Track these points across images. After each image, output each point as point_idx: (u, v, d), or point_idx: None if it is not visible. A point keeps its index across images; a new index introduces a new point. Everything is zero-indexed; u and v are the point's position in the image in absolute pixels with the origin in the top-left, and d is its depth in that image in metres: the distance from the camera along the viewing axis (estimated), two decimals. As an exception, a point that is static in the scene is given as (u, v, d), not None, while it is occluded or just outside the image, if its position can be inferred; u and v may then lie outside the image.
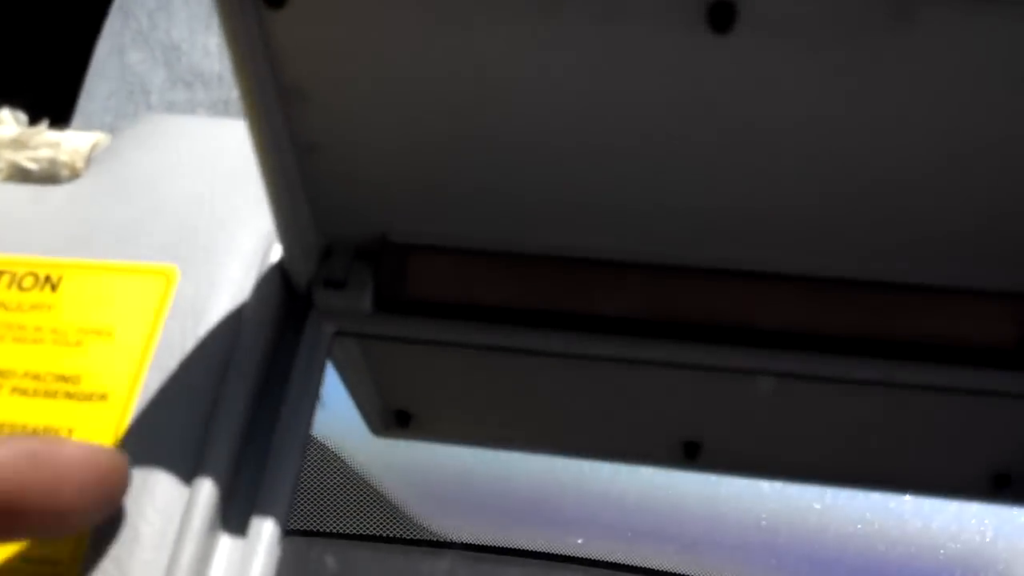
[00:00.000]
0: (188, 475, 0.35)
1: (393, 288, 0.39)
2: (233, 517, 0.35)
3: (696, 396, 0.44)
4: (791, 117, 0.33)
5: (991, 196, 0.35)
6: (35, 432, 0.37)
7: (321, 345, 0.39)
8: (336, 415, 0.46)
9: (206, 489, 0.35)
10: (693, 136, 0.34)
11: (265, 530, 0.35)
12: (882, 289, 0.38)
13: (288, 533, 0.36)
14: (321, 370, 0.39)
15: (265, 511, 0.35)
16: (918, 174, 0.34)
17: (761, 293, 0.39)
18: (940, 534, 0.55)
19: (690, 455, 0.47)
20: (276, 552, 0.35)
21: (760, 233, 0.37)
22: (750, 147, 0.34)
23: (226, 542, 0.35)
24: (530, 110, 0.34)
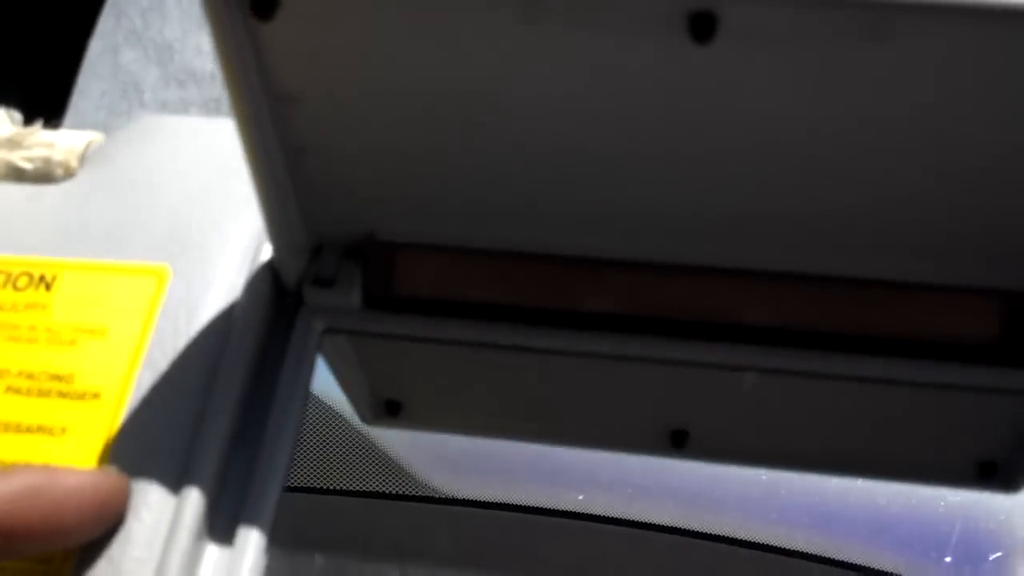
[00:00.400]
0: (180, 471, 0.36)
1: (381, 286, 0.40)
2: (223, 512, 0.36)
3: (682, 389, 0.45)
4: (771, 123, 0.34)
5: (973, 195, 0.35)
6: (29, 431, 0.37)
7: (311, 341, 0.39)
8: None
9: (197, 486, 0.35)
10: (674, 141, 0.35)
11: (251, 539, 0.35)
12: (866, 285, 0.39)
13: (290, 489, 0.36)
14: (311, 365, 0.39)
15: (252, 519, 0.35)
16: (899, 174, 0.35)
17: (745, 290, 0.39)
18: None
19: (677, 444, 0.48)
20: (262, 561, 0.35)
21: (743, 232, 0.38)
22: (730, 151, 0.35)
23: (213, 550, 0.35)
24: (514, 114, 0.35)
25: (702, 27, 0.30)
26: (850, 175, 0.35)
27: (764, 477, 0.58)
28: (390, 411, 0.51)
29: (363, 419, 0.51)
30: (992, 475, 0.46)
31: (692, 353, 0.40)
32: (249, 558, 0.35)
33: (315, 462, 0.65)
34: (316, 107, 0.35)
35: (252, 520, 0.35)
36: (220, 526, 0.36)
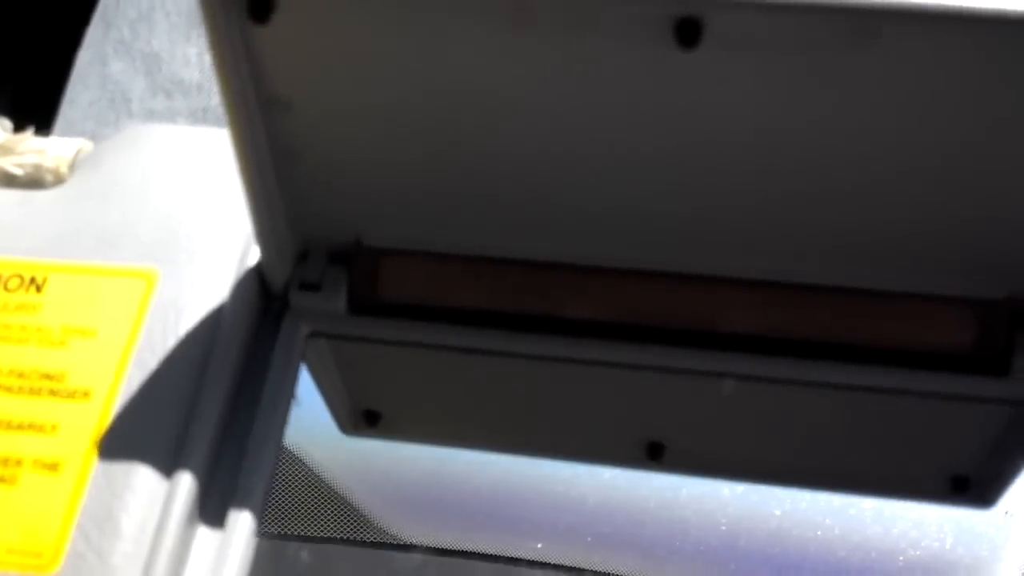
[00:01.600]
0: (168, 469, 0.36)
1: (366, 291, 0.41)
2: (210, 510, 0.36)
3: (660, 399, 0.45)
4: (754, 128, 0.35)
5: (950, 204, 0.36)
6: (20, 428, 0.38)
7: (296, 345, 0.40)
8: (306, 416, 0.47)
9: (185, 483, 0.36)
10: (658, 146, 0.36)
11: (242, 522, 0.36)
12: (843, 294, 0.39)
13: (261, 534, 0.37)
14: (296, 368, 0.40)
15: (241, 504, 0.36)
16: (879, 182, 0.36)
17: (724, 297, 0.40)
18: (900, 540, 0.55)
19: (653, 456, 0.48)
20: (252, 544, 0.36)
21: (723, 239, 0.39)
22: (713, 157, 0.36)
23: (204, 533, 0.36)
24: (501, 120, 0.36)
25: (688, 33, 0.31)
26: (830, 183, 0.36)
27: (724, 528, 0.58)
28: (369, 421, 0.51)
29: (342, 429, 0.51)
30: (965, 490, 0.46)
31: (671, 359, 0.40)
32: (239, 540, 0.35)
33: (272, 508, 0.65)
34: (307, 111, 0.36)
35: (241, 507, 0.36)
36: (209, 516, 0.36)
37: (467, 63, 0.34)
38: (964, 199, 0.36)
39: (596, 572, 0.59)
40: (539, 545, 0.60)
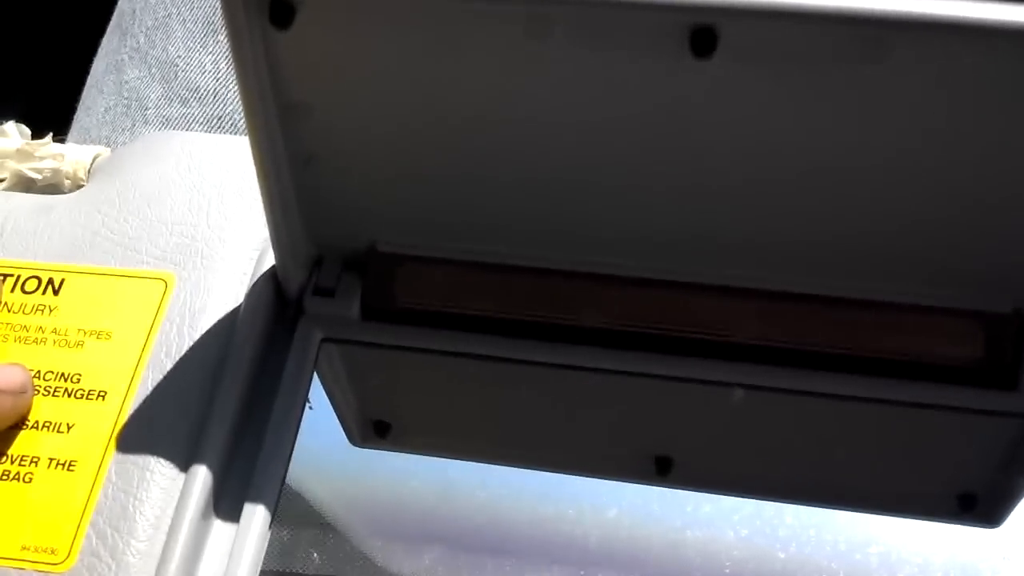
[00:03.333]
0: (182, 470, 0.37)
1: (380, 297, 0.41)
2: (223, 510, 0.37)
3: (667, 415, 0.45)
4: (767, 138, 0.35)
5: (960, 217, 0.36)
6: (36, 427, 0.38)
7: (310, 350, 0.40)
8: (315, 426, 0.47)
9: (198, 484, 0.36)
10: (672, 155, 0.36)
11: (255, 522, 0.36)
12: (853, 306, 0.40)
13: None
14: (310, 373, 0.40)
15: (256, 499, 0.37)
16: (890, 194, 0.36)
17: (736, 308, 0.40)
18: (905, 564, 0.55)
19: (662, 471, 0.48)
20: (265, 543, 0.36)
21: (735, 249, 0.39)
22: (726, 167, 0.36)
23: (217, 533, 0.36)
24: (517, 128, 0.36)
25: (703, 42, 0.31)
26: (842, 194, 0.36)
27: (747, 506, 0.57)
28: (378, 432, 0.51)
29: (352, 441, 0.51)
30: (972, 508, 0.46)
31: (681, 369, 0.40)
32: (254, 534, 0.36)
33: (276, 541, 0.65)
34: (325, 118, 0.36)
35: (256, 506, 0.36)
36: (222, 514, 0.37)
37: (483, 71, 0.34)
38: (974, 212, 0.36)
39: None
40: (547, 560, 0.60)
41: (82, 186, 0.46)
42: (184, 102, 0.58)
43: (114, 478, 0.37)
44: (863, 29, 0.30)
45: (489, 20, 0.32)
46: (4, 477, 0.37)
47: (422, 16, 0.33)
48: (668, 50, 0.32)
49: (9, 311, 0.41)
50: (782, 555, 0.54)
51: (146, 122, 0.58)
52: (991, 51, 0.31)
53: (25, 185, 0.47)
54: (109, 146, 0.51)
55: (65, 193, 0.46)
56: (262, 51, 0.33)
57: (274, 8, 0.32)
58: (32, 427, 0.38)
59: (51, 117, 0.56)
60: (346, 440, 0.51)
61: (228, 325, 0.40)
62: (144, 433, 0.38)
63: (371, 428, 0.51)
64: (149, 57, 0.61)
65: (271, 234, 0.39)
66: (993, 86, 0.32)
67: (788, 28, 0.31)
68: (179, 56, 0.60)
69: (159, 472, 0.37)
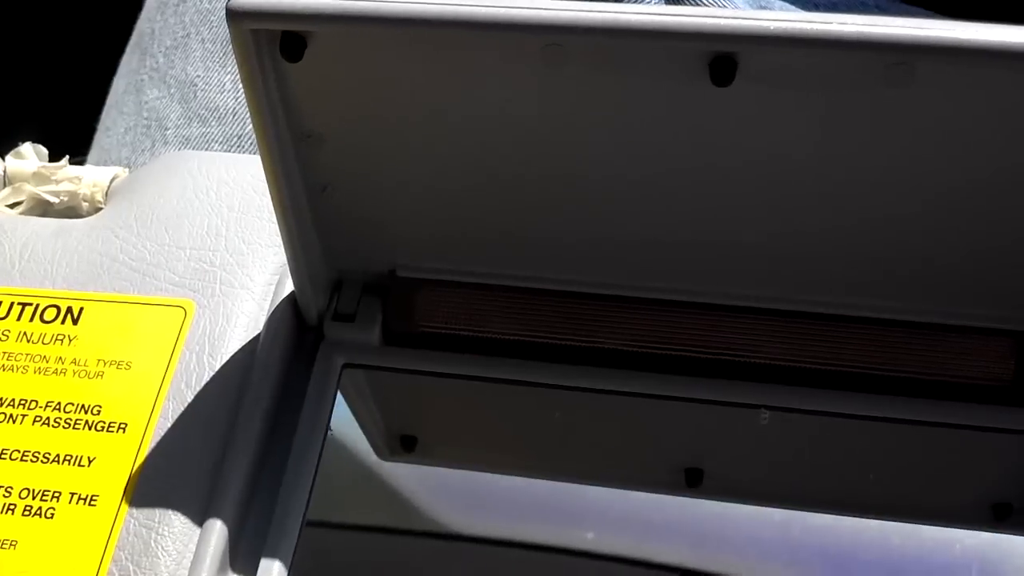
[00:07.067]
0: (204, 502, 0.37)
1: (400, 322, 0.41)
2: (243, 555, 0.37)
3: (697, 428, 0.45)
4: (788, 164, 0.35)
5: (988, 235, 0.36)
6: (57, 461, 0.38)
7: (331, 376, 0.40)
8: (341, 442, 0.47)
9: (221, 517, 0.36)
10: (693, 179, 0.36)
11: (274, 570, 0.36)
12: (882, 326, 0.39)
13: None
14: (332, 399, 0.40)
15: (274, 551, 0.36)
16: (915, 215, 0.36)
17: (760, 328, 0.40)
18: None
19: (692, 483, 0.48)
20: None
21: (759, 270, 0.39)
22: (748, 191, 0.36)
23: (238, 568, 0.36)
24: (534, 153, 0.36)
25: (722, 70, 0.31)
26: (867, 217, 0.36)
27: (777, 517, 0.57)
28: (405, 447, 0.51)
29: (379, 455, 0.51)
30: (1007, 517, 0.46)
31: (707, 391, 0.40)
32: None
33: (325, 498, 0.65)
34: (339, 146, 0.36)
35: (274, 552, 0.36)
36: (243, 557, 0.36)
37: (499, 97, 0.34)
38: (1003, 232, 0.36)
39: (636, 560, 0.58)
40: (590, 535, 0.60)
41: (100, 208, 0.46)
42: (203, 121, 0.58)
43: (136, 513, 0.37)
44: (887, 55, 0.30)
45: (505, 49, 0.32)
46: (27, 512, 0.37)
47: (434, 45, 0.32)
48: (687, 78, 0.31)
49: (29, 341, 0.41)
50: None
51: (166, 142, 0.58)
52: (1014, 73, 0.30)
53: (42, 208, 0.47)
54: (129, 167, 0.51)
55: (83, 216, 0.46)
56: (274, 83, 0.33)
57: (285, 41, 0.32)
58: (54, 460, 0.38)
59: (71, 138, 0.56)
60: (364, 464, 0.51)
61: (248, 354, 0.40)
62: (166, 466, 0.38)
63: (398, 443, 0.51)
64: (168, 77, 0.61)
65: (289, 263, 0.39)
66: (1017, 107, 0.31)
67: (809, 55, 0.30)
68: (198, 76, 0.60)
69: (181, 505, 0.37)
